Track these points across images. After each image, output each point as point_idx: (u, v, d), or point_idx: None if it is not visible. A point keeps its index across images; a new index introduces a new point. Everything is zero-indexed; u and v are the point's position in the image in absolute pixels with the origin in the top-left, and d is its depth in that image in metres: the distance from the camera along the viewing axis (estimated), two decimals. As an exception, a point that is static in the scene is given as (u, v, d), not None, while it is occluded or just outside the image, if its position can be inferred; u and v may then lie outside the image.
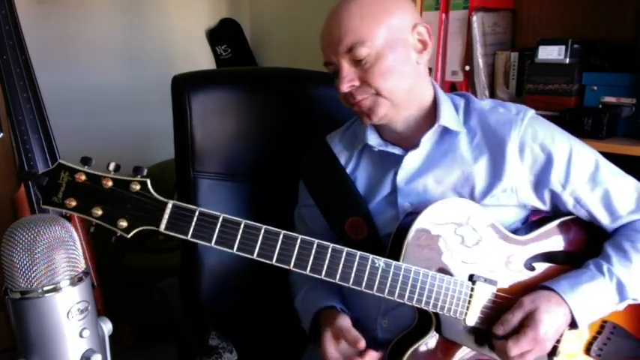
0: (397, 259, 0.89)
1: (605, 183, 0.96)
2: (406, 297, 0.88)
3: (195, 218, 0.80)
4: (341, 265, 0.86)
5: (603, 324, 0.98)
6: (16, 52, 1.60)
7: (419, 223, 0.90)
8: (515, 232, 0.98)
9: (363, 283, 0.87)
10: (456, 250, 0.92)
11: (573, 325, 0.89)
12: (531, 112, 0.99)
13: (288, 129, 1.28)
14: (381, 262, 0.87)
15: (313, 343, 1.02)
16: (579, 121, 1.27)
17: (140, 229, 0.79)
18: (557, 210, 1.01)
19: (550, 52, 1.36)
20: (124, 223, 0.78)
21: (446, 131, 1.00)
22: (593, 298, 0.90)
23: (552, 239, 0.98)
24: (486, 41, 1.51)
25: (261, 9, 2.97)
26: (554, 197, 0.98)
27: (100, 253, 1.80)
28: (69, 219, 0.72)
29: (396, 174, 1.01)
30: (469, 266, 0.93)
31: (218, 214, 0.81)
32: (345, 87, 0.95)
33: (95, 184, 0.78)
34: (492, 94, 1.54)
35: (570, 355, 0.96)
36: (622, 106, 1.28)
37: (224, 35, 2.95)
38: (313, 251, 0.85)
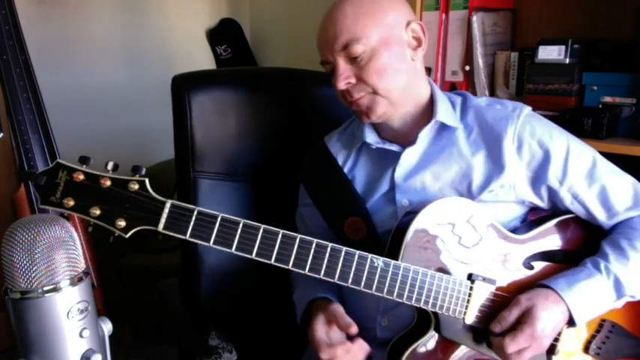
0: (396, 258, 0.90)
1: (602, 179, 0.97)
2: (405, 296, 0.89)
3: (193, 218, 0.80)
4: (340, 265, 0.86)
5: (602, 322, 0.98)
6: (16, 52, 1.61)
7: (417, 223, 0.90)
8: (513, 231, 0.98)
9: (362, 283, 0.87)
10: (454, 249, 0.92)
11: (571, 322, 0.90)
12: (528, 108, 1.00)
13: (288, 129, 1.28)
14: (379, 261, 0.87)
15: (303, 332, 1.01)
16: (579, 121, 1.27)
17: (138, 228, 0.79)
18: (555, 207, 1.01)
19: (550, 52, 1.36)
20: (122, 223, 0.78)
21: (443, 127, 1.00)
22: (590, 295, 0.90)
23: (550, 238, 0.99)
24: (486, 41, 1.51)
25: (261, 9, 2.97)
26: (552, 193, 0.98)
27: (99, 253, 1.80)
28: (69, 219, 0.72)
29: (394, 171, 1.01)
30: (468, 265, 0.93)
31: (217, 213, 0.81)
32: (341, 84, 0.96)
33: (93, 183, 0.77)
34: (492, 94, 1.54)
35: (569, 354, 0.96)
36: (622, 106, 1.28)
37: (224, 35, 2.95)
38: (312, 251, 0.84)
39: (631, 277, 0.92)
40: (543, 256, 0.97)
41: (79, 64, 2.52)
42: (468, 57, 1.51)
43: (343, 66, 0.95)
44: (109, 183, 0.78)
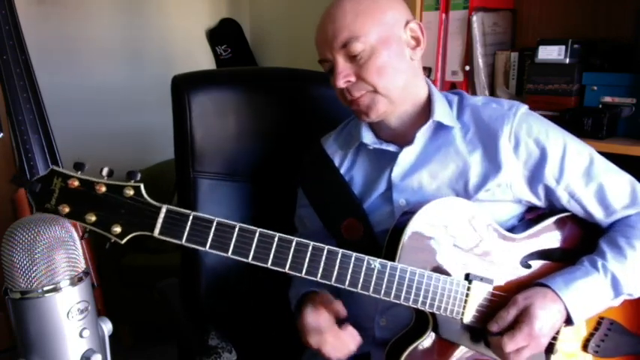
0: (393, 259, 0.89)
1: (599, 177, 0.97)
2: (402, 298, 0.88)
3: (189, 222, 0.80)
4: (337, 267, 0.85)
5: (600, 320, 0.98)
6: (16, 52, 1.61)
7: (414, 223, 0.90)
8: (511, 230, 0.98)
9: (359, 285, 0.87)
10: (451, 249, 0.92)
11: (569, 321, 0.90)
12: (524, 107, 1.00)
13: (288, 129, 1.28)
14: (376, 263, 0.87)
15: (295, 323, 1.00)
16: (579, 121, 1.27)
17: (134, 234, 0.79)
18: (552, 205, 1.01)
19: (550, 52, 1.36)
20: (117, 229, 0.78)
21: (440, 127, 1.00)
22: (587, 293, 0.90)
23: (548, 236, 0.99)
24: (486, 41, 1.51)
25: (261, 9, 2.97)
26: (549, 192, 0.98)
27: (99, 253, 1.80)
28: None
29: (391, 171, 1.01)
30: (465, 265, 0.93)
31: (212, 217, 0.81)
32: (341, 82, 0.95)
33: (88, 189, 0.77)
34: (492, 94, 1.54)
35: (568, 353, 0.96)
36: (622, 106, 1.28)
37: (224, 35, 2.96)
38: (308, 254, 0.84)
39: (628, 275, 0.92)
40: (541, 254, 0.97)
41: (79, 64, 2.52)
42: (468, 57, 1.51)
43: (342, 64, 0.95)
44: (104, 189, 0.77)
